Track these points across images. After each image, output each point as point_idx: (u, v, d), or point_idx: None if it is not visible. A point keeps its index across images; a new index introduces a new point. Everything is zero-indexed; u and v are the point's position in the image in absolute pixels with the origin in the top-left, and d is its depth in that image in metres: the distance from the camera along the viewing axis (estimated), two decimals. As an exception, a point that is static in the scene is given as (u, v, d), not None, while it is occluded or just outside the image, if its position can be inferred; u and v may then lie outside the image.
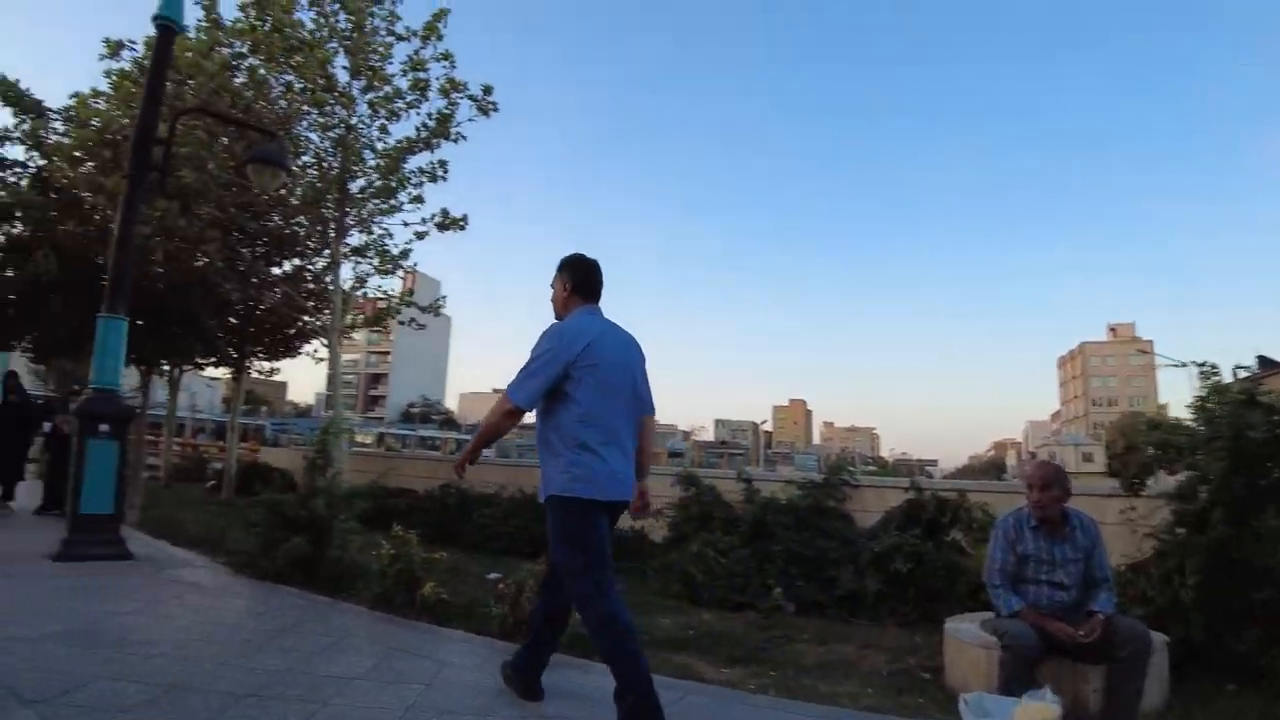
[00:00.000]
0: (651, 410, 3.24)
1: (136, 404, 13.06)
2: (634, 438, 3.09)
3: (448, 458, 21.13)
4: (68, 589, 4.78)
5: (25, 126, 8.57)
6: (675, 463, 40.46)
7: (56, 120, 8.86)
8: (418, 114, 9.46)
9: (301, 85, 8.85)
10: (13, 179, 8.76)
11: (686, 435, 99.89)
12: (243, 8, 8.56)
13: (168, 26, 6.66)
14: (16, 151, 8.87)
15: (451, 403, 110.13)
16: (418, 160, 9.57)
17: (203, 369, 14.38)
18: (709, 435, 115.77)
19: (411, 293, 11.37)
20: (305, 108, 9.03)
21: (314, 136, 9.40)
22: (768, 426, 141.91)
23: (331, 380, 10.00)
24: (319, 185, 9.36)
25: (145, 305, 9.05)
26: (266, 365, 14.40)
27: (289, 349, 13.74)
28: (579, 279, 3.16)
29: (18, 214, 8.58)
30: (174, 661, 3.43)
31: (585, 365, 2.89)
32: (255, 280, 10.35)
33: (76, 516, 5.80)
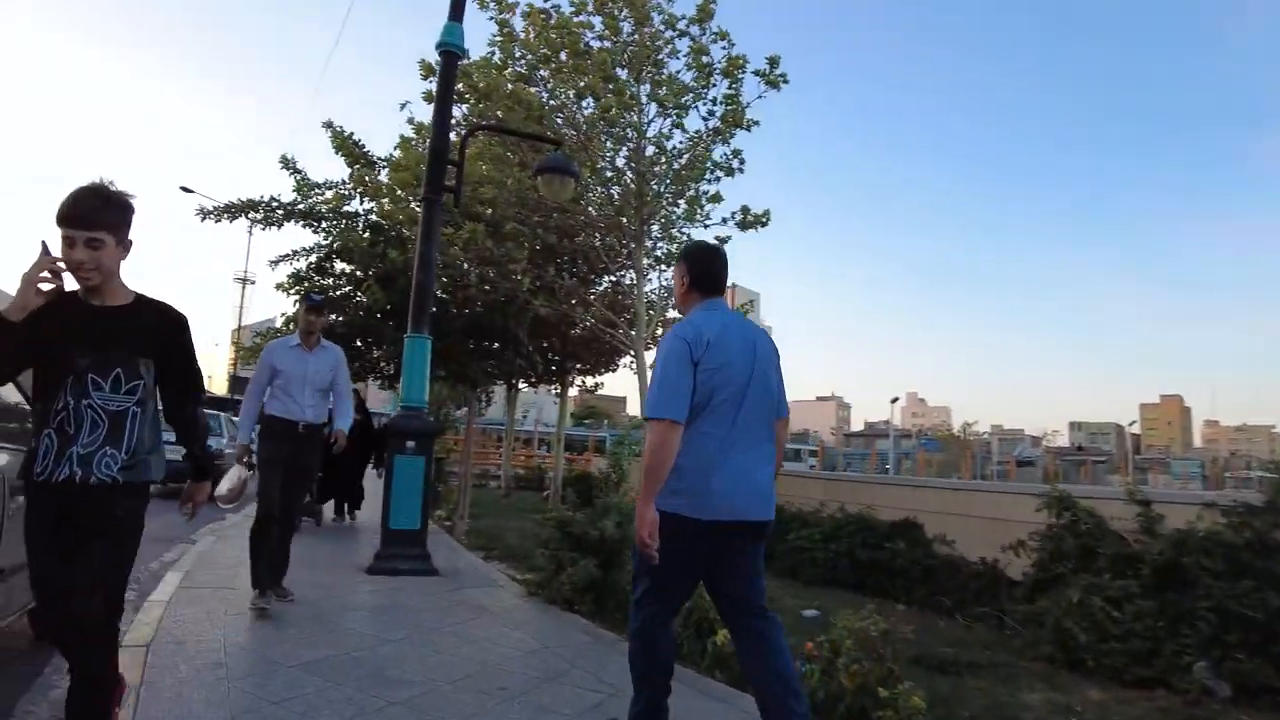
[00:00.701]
0: (785, 413, 2.83)
1: (461, 418, 14.22)
2: (769, 444, 2.70)
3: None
4: (355, 607, 4.82)
5: (354, 175, 9.65)
6: (1025, 473, 35.24)
7: (384, 167, 9.84)
8: (703, 103, 8.89)
9: (590, 98, 8.80)
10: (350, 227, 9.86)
11: (1036, 441, 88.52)
12: (528, 15, 8.64)
13: (451, 53, 6.83)
14: (355, 203, 10.09)
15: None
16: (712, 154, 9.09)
17: (533, 385, 15.42)
18: (1063, 440, 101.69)
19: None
20: (600, 118, 8.96)
21: (608, 144, 9.31)
22: (1135, 428, 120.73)
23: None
24: (617, 200, 9.26)
25: (466, 326, 9.61)
26: (591, 380, 15.05)
27: (609, 363, 14.15)
28: (696, 272, 2.86)
29: (353, 256, 9.59)
30: (411, 710, 3.00)
31: (708, 369, 2.55)
32: (568, 299, 10.61)
33: (386, 531, 5.99)
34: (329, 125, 9.98)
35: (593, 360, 13.97)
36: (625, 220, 9.43)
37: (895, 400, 53.69)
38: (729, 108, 8.73)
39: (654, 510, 2.43)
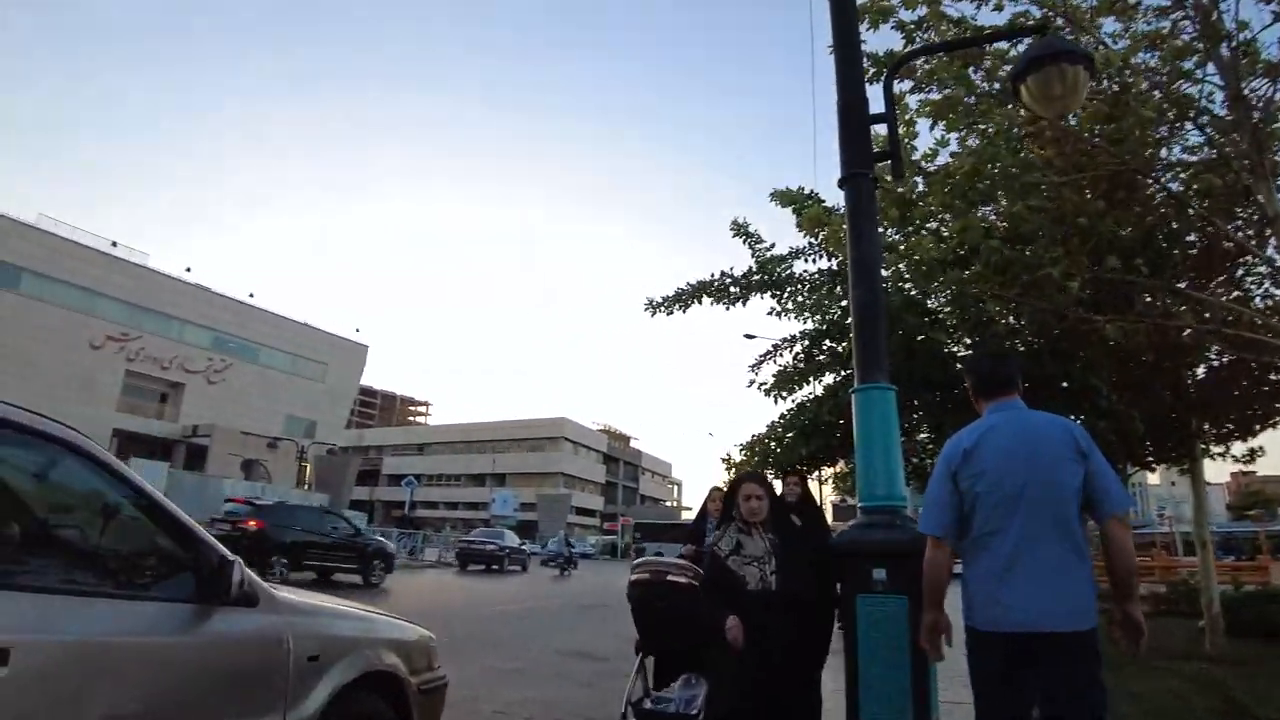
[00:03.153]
0: (1110, 509, 2.49)
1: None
2: (1070, 546, 2.47)
3: None
4: None
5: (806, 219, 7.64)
6: None
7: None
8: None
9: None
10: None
11: None
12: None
13: None
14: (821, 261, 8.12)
15: None
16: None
17: (1140, 466, 10.70)
18: None
19: None
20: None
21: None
22: None
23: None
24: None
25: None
26: (1243, 445, 9.75)
27: (1268, 415, 8.92)
28: (972, 381, 2.93)
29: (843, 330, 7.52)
30: None
31: (970, 475, 2.58)
32: (1166, 309, 6.63)
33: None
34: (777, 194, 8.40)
35: (1243, 411, 8.91)
36: (1232, 152, 5.47)
37: None
38: None
39: (932, 617, 2.63)
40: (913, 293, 7.07)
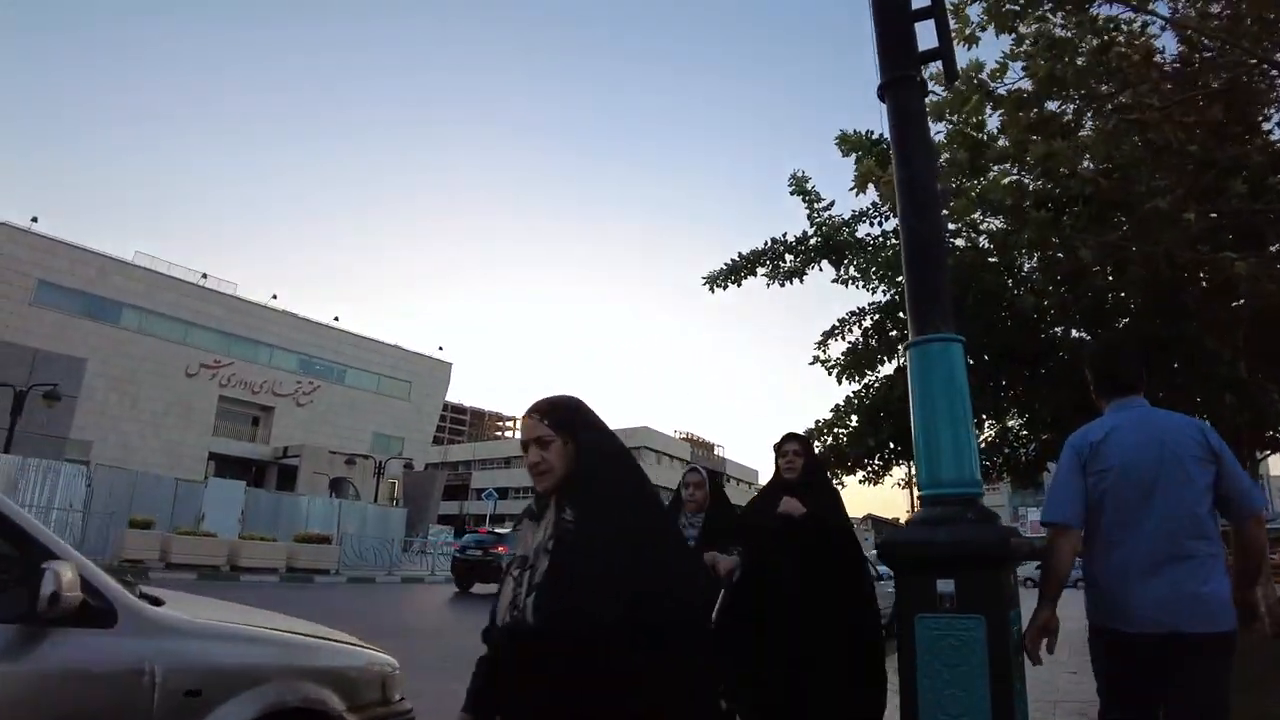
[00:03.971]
0: (1248, 510, 2.50)
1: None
2: (1205, 546, 2.42)
3: None
4: None
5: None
6: None
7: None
8: None
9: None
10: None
11: None
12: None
13: None
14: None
15: None
16: None
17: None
18: None
19: None
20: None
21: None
22: None
23: None
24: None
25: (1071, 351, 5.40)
26: None
27: None
28: (1094, 377, 2.86)
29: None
30: None
31: (1098, 470, 2.55)
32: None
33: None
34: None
35: None
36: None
37: None
38: None
39: (1046, 613, 2.55)
40: (989, 247, 6.00)
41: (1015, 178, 5.62)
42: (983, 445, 7.97)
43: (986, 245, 5.98)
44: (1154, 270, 5.02)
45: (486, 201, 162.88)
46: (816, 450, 7.89)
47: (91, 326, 39.57)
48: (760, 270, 7.41)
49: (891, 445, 7.27)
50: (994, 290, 5.77)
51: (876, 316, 7.47)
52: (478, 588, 18.24)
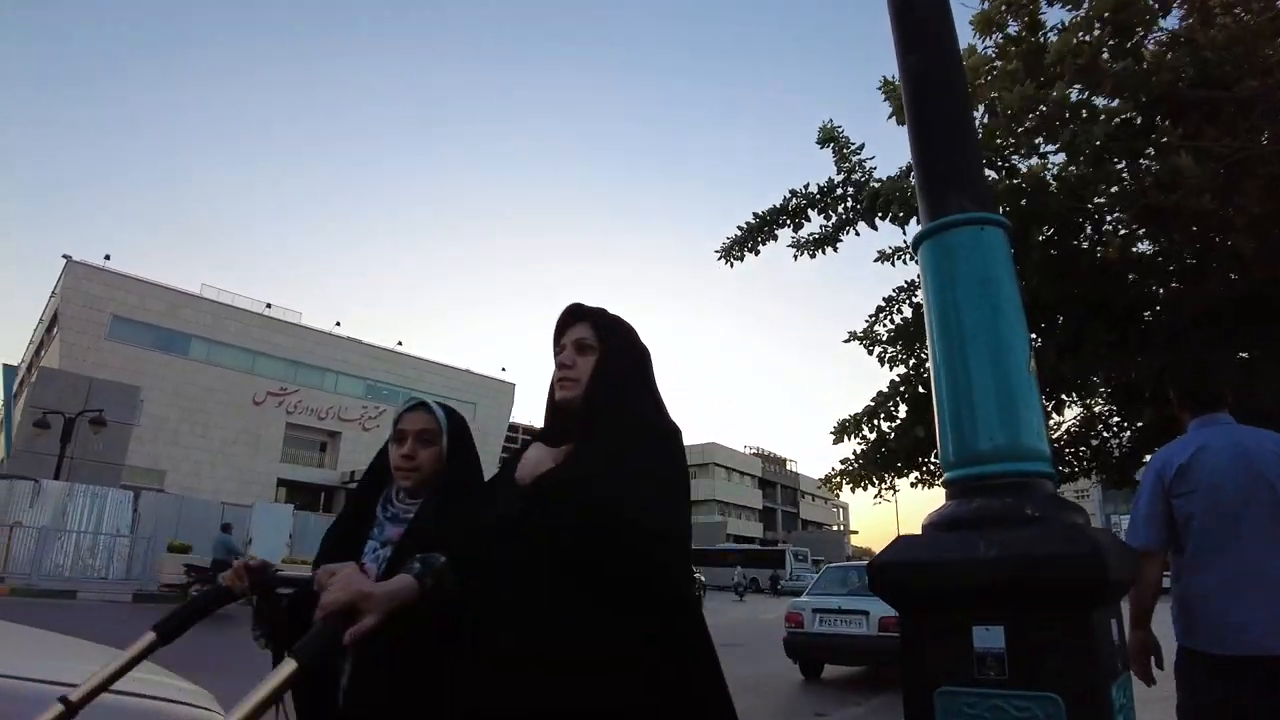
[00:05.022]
0: None
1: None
2: None
3: None
4: None
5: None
6: None
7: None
8: None
9: None
10: None
11: None
12: None
13: None
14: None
15: None
16: None
17: None
18: None
19: None
20: None
21: None
22: None
23: None
24: None
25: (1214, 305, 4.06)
26: None
27: None
28: (1178, 390, 2.79)
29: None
30: None
31: (1184, 492, 2.51)
32: None
33: None
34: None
35: None
36: None
37: None
38: None
39: (1141, 633, 2.57)
40: (1055, 169, 4.63)
41: (1083, 97, 4.35)
42: (1063, 436, 6.58)
43: (1054, 168, 4.63)
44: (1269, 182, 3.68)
45: (541, 219, 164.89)
46: (857, 460, 6.64)
47: (162, 358, 40.73)
48: (781, 233, 6.21)
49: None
50: (1066, 221, 4.43)
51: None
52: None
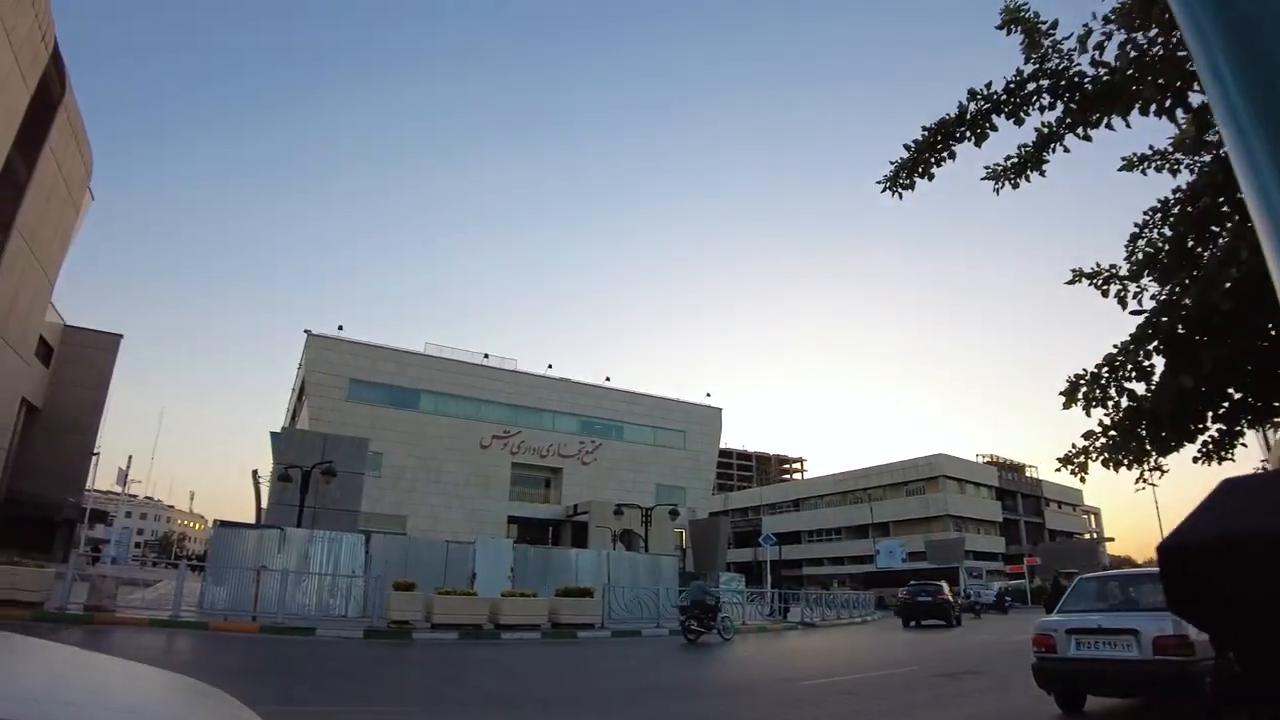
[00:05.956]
0: None
1: None
2: None
3: None
4: None
5: None
6: None
7: None
8: None
9: None
10: None
11: None
12: None
13: None
14: None
15: None
16: None
17: None
18: None
19: None
20: None
21: None
22: None
23: None
24: None
25: None
26: None
27: None
28: None
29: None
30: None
31: None
32: None
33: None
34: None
35: None
36: None
37: None
38: None
39: None
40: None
41: None
42: None
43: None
44: None
45: (734, 245, 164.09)
46: (1098, 419, 5.03)
47: (396, 414, 44.55)
48: (957, 145, 4.89)
49: (1236, 388, 4.28)
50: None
51: (1198, 202, 4.61)
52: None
